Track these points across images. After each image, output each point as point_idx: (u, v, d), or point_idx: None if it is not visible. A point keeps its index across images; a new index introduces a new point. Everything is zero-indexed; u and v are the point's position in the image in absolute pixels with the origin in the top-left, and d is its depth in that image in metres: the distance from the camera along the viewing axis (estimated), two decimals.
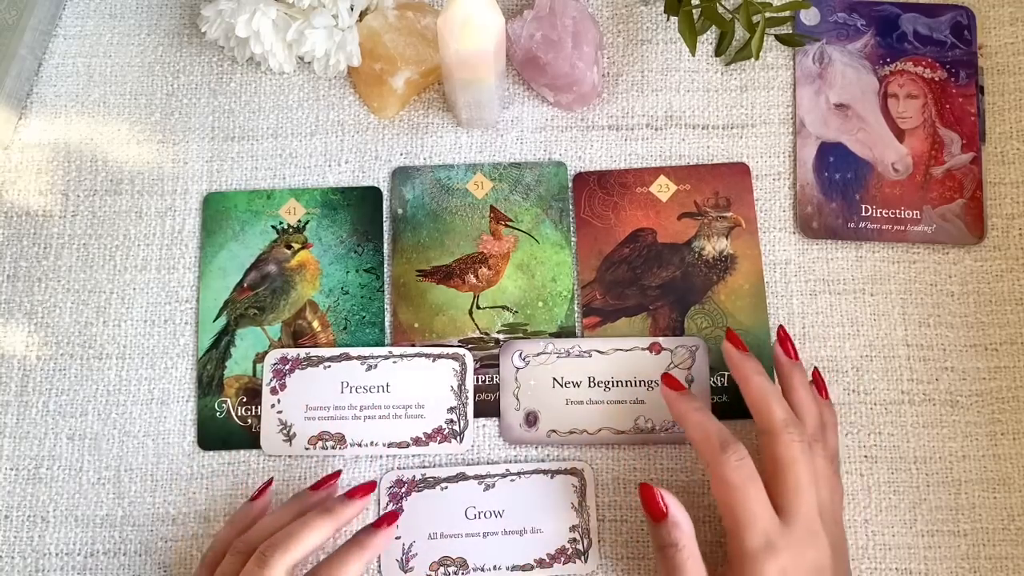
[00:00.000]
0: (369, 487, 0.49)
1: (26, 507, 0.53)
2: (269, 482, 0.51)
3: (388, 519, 0.48)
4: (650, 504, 0.45)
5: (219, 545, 0.48)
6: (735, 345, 0.49)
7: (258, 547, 0.45)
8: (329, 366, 0.54)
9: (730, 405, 0.53)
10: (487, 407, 0.54)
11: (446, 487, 0.52)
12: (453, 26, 0.47)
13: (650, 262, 0.56)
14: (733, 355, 0.49)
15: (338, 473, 0.51)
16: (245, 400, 0.54)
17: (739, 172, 0.57)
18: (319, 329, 0.55)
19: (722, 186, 0.57)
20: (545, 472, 0.53)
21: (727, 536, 0.45)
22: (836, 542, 0.45)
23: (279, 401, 0.53)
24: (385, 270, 0.56)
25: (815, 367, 0.53)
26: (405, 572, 0.51)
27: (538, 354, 0.54)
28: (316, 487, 0.50)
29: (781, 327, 0.52)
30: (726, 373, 0.54)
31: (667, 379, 0.49)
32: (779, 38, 0.59)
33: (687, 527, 0.45)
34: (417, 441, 0.53)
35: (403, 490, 0.52)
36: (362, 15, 0.58)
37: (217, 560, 0.47)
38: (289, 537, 0.45)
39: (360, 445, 0.53)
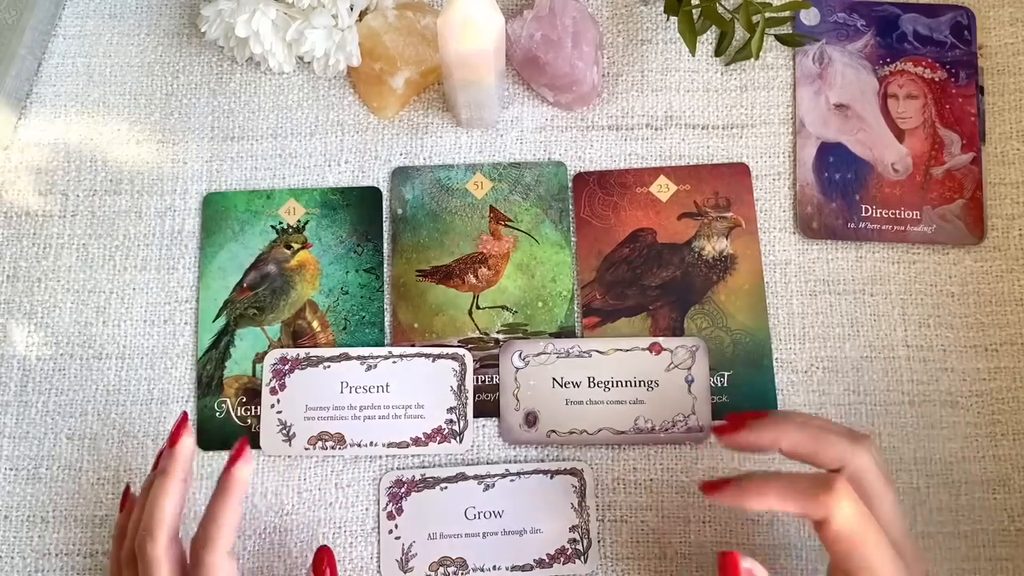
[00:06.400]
0: (182, 422, 0.46)
1: (26, 507, 0.53)
2: (126, 488, 0.49)
3: (238, 452, 0.45)
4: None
5: (116, 568, 0.46)
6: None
7: None
8: (329, 366, 0.54)
9: (730, 405, 0.53)
10: (487, 407, 0.54)
11: (446, 487, 0.52)
12: (453, 26, 0.47)
13: (650, 262, 0.56)
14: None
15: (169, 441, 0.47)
16: (245, 400, 0.54)
17: (739, 172, 0.57)
18: (319, 329, 0.55)
19: (722, 186, 0.57)
20: (545, 472, 0.53)
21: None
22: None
23: (279, 401, 0.53)
24: (385, 270, 0.56)
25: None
26: (405, 572, 0.51)
27: (538, 354, 0.54)
28: (155, 465, 0.47)
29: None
30: (726, 373, 0.54)
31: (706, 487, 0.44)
32: (779, 38, 0.59)
33: None
34: (417, 441, 0.53)
35: (403, 490, 0.52)
36: (362, 15, 0.58)
37: None
38: (148, 521, 0.43)
39: (360, 445, 0.53)
